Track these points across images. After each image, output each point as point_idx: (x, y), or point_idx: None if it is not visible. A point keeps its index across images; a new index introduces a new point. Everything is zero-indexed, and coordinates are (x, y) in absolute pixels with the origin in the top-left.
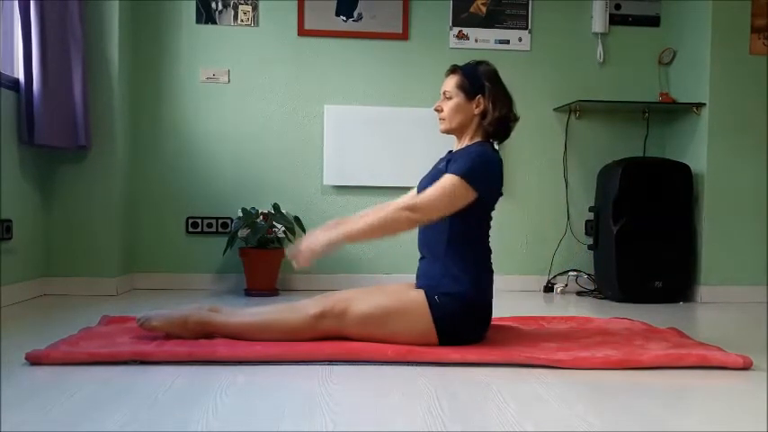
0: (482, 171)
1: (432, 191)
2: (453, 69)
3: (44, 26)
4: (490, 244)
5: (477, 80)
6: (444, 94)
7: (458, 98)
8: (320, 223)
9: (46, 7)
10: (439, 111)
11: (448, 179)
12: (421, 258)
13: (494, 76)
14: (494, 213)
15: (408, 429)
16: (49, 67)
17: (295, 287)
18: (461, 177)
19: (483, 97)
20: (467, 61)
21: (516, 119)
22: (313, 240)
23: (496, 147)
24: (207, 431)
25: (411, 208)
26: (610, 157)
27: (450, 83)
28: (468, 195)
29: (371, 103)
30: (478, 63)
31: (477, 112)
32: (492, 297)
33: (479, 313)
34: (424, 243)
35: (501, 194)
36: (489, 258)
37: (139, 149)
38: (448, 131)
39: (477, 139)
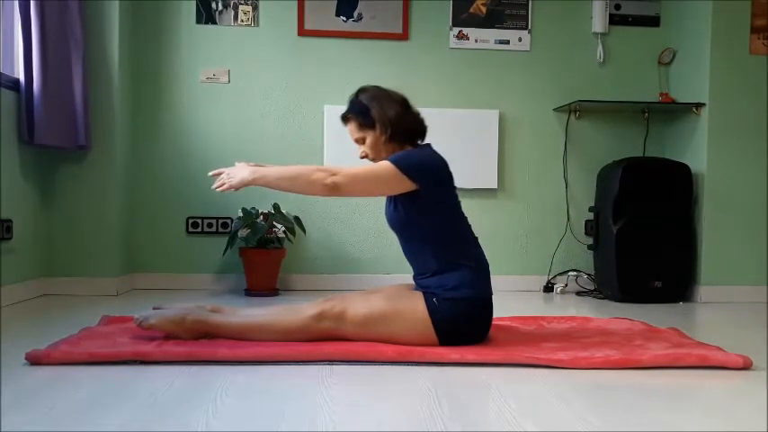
0: (416, 162)
1: (360, 167)
2: (344, 118)
3: (44, 26)
4: (482, 242)
5: (364, 109)
6: (357, 141)
7: (368, 135)
8: (320, 223)
9: (46, 7)
10: (366, 157)
11: (379, 162)
12: (411, 264)
13: (372, 94)
14: (494, 213)
15: (408, 429)
16: (49, 67)
17: (295, 287)
18: (392, 162)
19: (377, 119)
20: (350, 96)
21: (417, 112)
22: (234, 173)
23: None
24: (207, 431)
25: (330, 170)
26: (610, 157)
27: (353, 129)
28: (401, 182)
29: None
30: (356, 94)
31: (384, 133)
32: (491, 293)
33: (480, 312)
34: (406, 252)
35: (453, 188)
36: (479, 254)
37: (139, 149)
38: None
39: (408, 148)
